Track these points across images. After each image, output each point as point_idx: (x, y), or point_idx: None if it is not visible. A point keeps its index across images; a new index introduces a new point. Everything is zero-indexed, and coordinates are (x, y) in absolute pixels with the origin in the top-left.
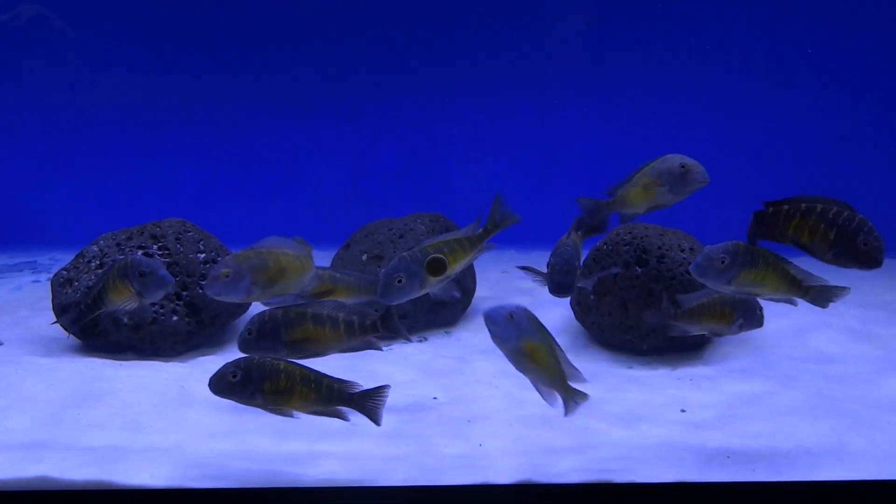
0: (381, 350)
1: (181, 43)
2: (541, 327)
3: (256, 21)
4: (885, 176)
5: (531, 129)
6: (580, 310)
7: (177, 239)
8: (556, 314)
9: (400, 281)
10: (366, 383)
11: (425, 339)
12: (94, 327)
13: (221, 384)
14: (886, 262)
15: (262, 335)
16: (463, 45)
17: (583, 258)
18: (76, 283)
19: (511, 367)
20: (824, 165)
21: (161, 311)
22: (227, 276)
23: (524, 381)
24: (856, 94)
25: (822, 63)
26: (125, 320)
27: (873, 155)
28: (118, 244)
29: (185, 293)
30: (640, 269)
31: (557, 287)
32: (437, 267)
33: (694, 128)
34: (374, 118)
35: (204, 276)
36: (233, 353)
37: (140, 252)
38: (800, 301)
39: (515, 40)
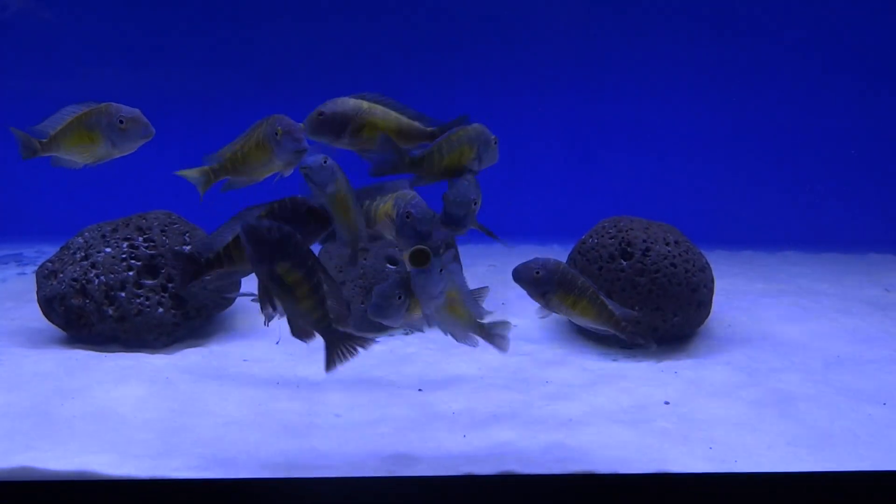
0: None
1: (168, 34)
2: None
3: (244, 12)
4: (882, 172)
5: (526, 121)
6: None
7: (162, 231)
8: None
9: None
10: (353, 377)
11: (410, 331)
12: (80, 319)
13: None
14: (872, 256)
15: None
16: (459, 34)
17: None
18: (61, 275)
19: (496, 359)
20: (813, 162)
21: (146, 302)
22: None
23: (509, 374)
24: (852, 90)
25: (815, 57)
26: (110, 312)
27: (869, 152)
28: (103, 236)
29: (170, 285)
30: (625, 262)
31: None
32: (420, 257)
33: (685, 123)
34: None
35: None
36: (217, 345)
37: (126, 244)
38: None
39: (509, 31)
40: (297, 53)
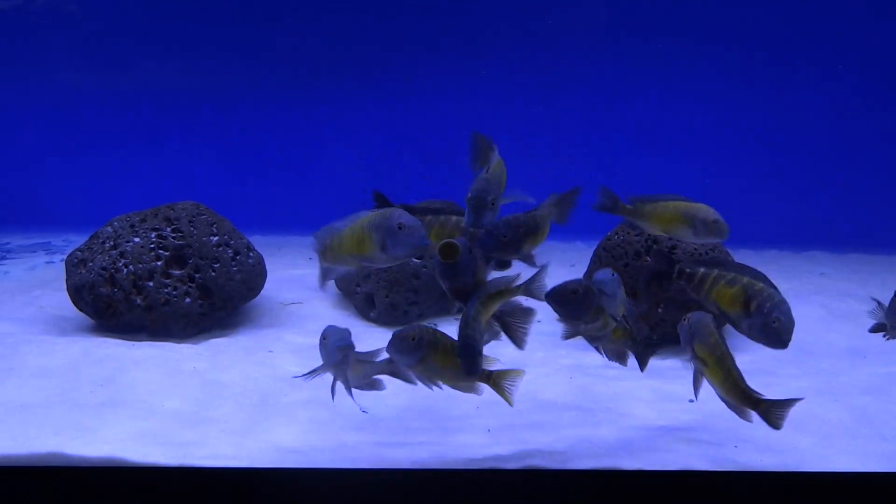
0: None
1: (194, 26)
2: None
3: (267, 6)
4: (884, 174)
5: (550, 118)
6: None
7: (190, 222)
8: None
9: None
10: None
11: (436, 325)
12: (108, 308)
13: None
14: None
15: None
16: (476, 28)
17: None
18: (90, 264)
19: (519, 355)
20: (841, 161)
21: (174, 292)
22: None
23: (533, 369)
24: (882, 90)
25: (845, 57)
26: (138, 302)
27: (874, 154)
28: (132, 226)
29: (197, 275)
30: (650, 260)
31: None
32: (449, 251)
33: (711, 121)
34: (387, 102)
35: (217, 259)
36: (242, 336)
37: (154, 234)
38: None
39: (524, 26)
40: (321, 51)
